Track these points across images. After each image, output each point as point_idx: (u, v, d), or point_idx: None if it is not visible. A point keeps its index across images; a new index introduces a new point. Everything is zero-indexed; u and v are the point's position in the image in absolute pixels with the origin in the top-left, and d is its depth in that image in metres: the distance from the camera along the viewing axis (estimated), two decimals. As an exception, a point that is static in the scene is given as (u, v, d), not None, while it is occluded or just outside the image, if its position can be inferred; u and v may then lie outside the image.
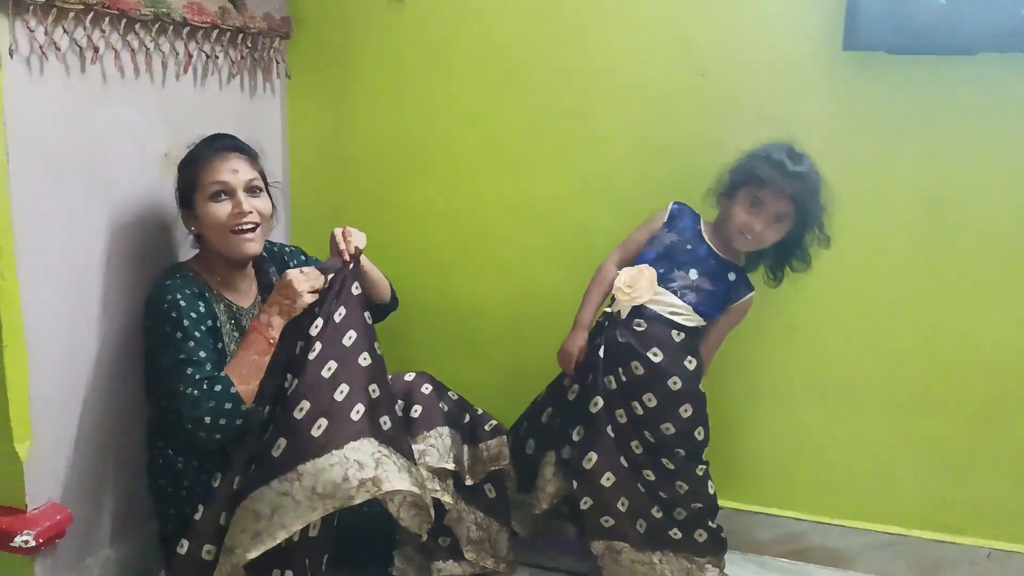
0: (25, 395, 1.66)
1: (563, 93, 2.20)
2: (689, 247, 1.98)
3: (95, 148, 1.78)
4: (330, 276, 1.80)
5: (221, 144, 1.87)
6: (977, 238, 2.00)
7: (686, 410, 1.92)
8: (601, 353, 1.96)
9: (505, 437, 2.05)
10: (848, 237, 2.04)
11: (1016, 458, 2.05)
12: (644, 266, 1.96)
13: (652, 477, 1.96)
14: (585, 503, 1.98)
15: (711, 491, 1.98)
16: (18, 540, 1.64)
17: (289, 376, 1.71)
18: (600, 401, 1.94)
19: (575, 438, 1.97)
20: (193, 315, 1.77)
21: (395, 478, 1.66)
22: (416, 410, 1.98)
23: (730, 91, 2.07)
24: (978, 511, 2.08)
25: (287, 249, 2.12)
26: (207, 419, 1.68)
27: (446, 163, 2.33)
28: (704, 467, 1.97)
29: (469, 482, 2.00)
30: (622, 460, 1.95)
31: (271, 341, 1.76)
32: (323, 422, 1.66)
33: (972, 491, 2.08)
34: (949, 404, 2.07)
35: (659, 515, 1.98)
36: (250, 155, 1.90)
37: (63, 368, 1.75)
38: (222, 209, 1.82)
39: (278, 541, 1.61)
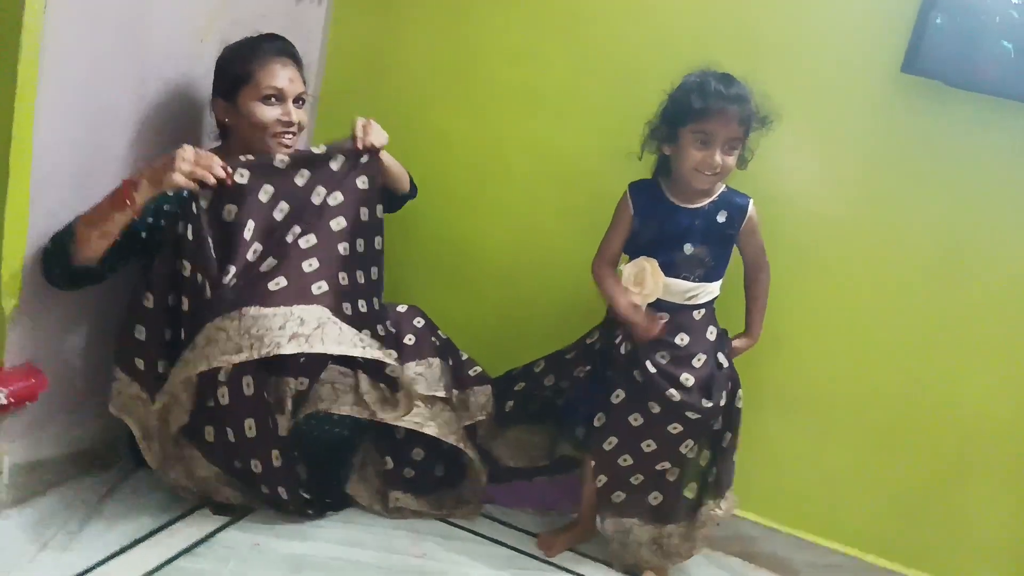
0: (21, 251, 1.64)
1: (611, 51, 2.17)
2: (668, 225, 1.92)
3: (133, 16, 1.75)
4: (330, 157, 1.83)
5: (280, 47, 1.87)
6: (987, 294, 1.99)
7: (711, 384, 1.92)
8: (622, 349, 1.94)
9: (490, 388, 2.07)
10: (858, 260, 2.04)
11: (970, 513, 2.06)
12: (643, 258, 1.92)
13: (687, 448, 1.94)
14: (600, 481, 1.99)
15: (739, 422, 1.98)
16: (-10, 395, 1.63)
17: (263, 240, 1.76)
18: (622, 394, 1.94)
19: (596, 423, 1.98)
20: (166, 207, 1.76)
21: (330, 341, 1.68)
22: (409, 338, 2.00)
23: (779, 83, 1.98)
24: (927, 549, 2.09)
25: None
26: (48, 245, 1.69)
27: (479, 96, 2.30)
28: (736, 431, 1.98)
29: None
30: (644, 446, 1.95)
31: (128, 200, 1.65)
32: (282, 281, 1.71)
33: (923, 530, 2.10)
34: (913, 448, 2.07)
35: (673, 479, 1.97)
36: (301, 65, 1.91)
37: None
38: (271, 112, 1.83)
39: (197, 371, 1.66)
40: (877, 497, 2.12)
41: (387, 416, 1.89)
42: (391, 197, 2.05)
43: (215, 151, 1.88)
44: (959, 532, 2.08)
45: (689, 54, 2.05)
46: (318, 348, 1.67)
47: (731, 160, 1.86)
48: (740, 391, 1.97)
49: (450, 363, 2.05)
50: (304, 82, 1.91)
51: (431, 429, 1.94)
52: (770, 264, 1.99)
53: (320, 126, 2.42)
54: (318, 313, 1.71)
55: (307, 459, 1.91)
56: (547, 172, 2.28)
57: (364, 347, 1.75)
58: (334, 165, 1.85)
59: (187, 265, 1.71)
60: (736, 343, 2.01)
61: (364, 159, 1.87)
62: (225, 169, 1.70)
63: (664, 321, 1.90)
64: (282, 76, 1.84)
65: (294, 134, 1.88)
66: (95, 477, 1.91)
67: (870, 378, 2.09)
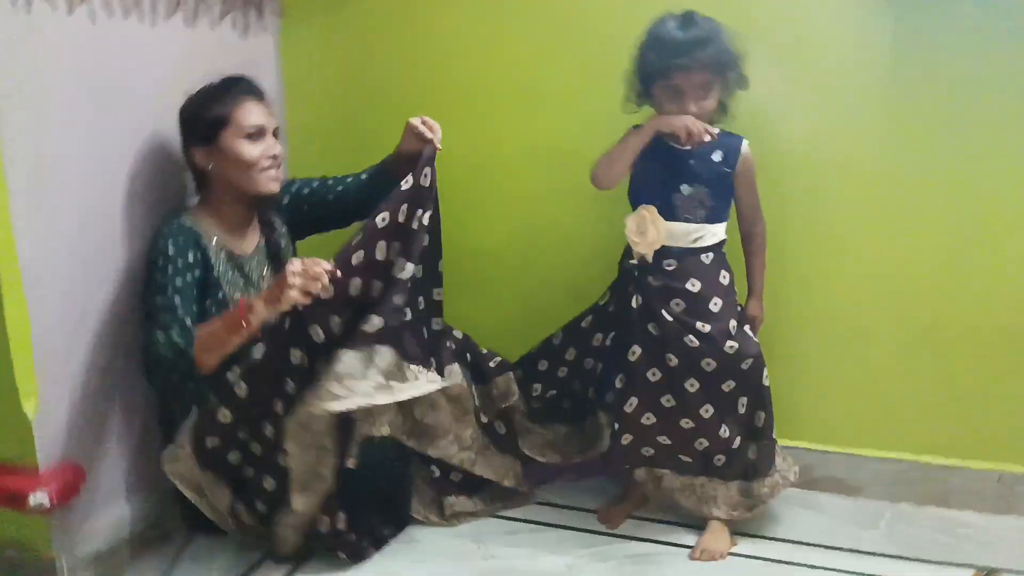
0: (28, 351, 1.62)
1: (582, 27, 2.13)
2: (664, 165, 1.91)
3: (88, 90, 1.71)
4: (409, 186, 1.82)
5: (247, 86, 1.88)
6: (1005, 166, 1.97)
7: (733, 327, 1.93)
8: (634, 303, 1.93)
9: (511, 373, 2.08)
10: (881, 166, 2.02)
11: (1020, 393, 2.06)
12: (642, 207, 1.91)
13: (708, 413, 1.94)
14: (626, 439, 1.98)
15: (768, 400, 1.98)
16: (32, 501, 1.61)
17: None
18: (638, 350, 1.93)
19: (617, 385, 1.97)
20: (180, 263, 1.77)
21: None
22: None
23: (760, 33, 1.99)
24: (987, 437, 2.09)
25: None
26: (154, 357, 1.72)
27: (454, 100, 2.26)
28: (765, 372, 1.96)
29: (483, 420, 2.03)
30: (664, 401, 1.95)
31: (245, 323, 1.72)
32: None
33: (981, 417, 2.09)
34: (960, 335, 2.06)
35: (702, 447, 1.97)
36: (267, 101, 1.92)
37: (66, 319, 1.70)
38: (256, 149, 1.84)
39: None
40: (927, 399, 2.12)
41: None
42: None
43: (198, 208, 1.87)
44: (1015, 417, 2.07)
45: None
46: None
47: (708, 103, 1.84)
48: (765, 370, 1.96)
49: (469, 360, 2.05)
50: (272, 115, 1.91)
51: (480, 468, 2.02)
52: (786, 196, 1.99)
53: (293, 155, 2.38)
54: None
55: (369, 493, 1.91)
56: (538, 161, 2.25)
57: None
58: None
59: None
60: (749, 309, 2.00)
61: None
62: (332, 273, 1.72)
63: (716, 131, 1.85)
64: (258, 113, 1.85)
65: (279, 166, 1.89)
66: (155, 555, 1.89)
67: (904, 282, 2.08)
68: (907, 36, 1.96)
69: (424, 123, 1.89)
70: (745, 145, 1.92)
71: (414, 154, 1.88)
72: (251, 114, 1.84)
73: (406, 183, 1.81)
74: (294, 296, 1.67)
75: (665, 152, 1.91)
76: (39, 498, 1.61)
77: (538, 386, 2.13)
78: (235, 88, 1.86)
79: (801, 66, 2.04)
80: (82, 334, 1.75)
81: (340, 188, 2.07)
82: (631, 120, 1.95)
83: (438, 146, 1.88)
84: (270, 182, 1.88)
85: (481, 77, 2.23)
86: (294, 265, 1.70)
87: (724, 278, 1.94)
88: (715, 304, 1.92)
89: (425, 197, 1.83)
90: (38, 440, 1.64)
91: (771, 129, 2.04)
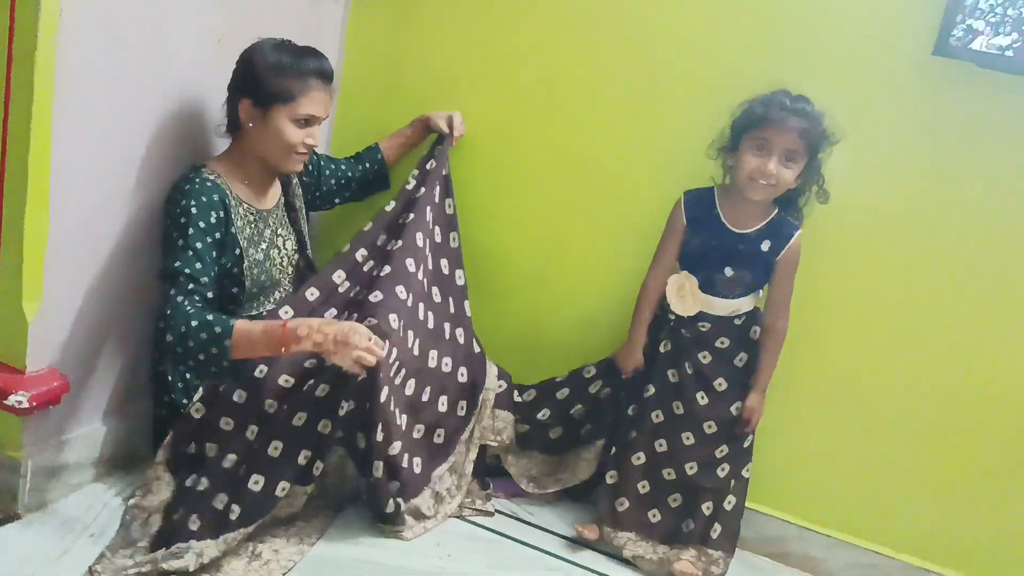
0: (41, 255, 1.64)
1: (633, 50, 2.13)
2: (715, 242, 1.96)
3: (150, 22, 1.74)
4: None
5: (323, 69, 1.86)
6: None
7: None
8: (663, 348, 2.01)
9: (512, 416, 2.12)
10: (894, 252, 1.99)
11: (1015, 513, 2.00)
12: (684, 274, 1.98)
13: (692, 470, 1.99)
14: (611, 477, 2.04)
15: (748, 468, 2.02)
16: (12, 399, 1.63)
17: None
18: (652, 388, 2.01)
19: (630, 413, 2.05)
20: (202, 224, 1.75)
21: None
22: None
23: (800, 70, 1.98)
24: (969, 549, 2.03)
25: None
26: (182, 328, 1.65)
27: (499, 98, 2.27)
28: (751, 441, 2.03)
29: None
30: (657, 445, 2.01)
31: (284, 350, 1.67)
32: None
33: (967, 529, 2.04)
34: (956, 445, 2.02)
35: (676, 505, 2.00)
36: (332, 90, 1.91)
37: (82, 237, 1.73)
38: (299, 135, 1.84)
39: None
40: (917, 495, 2.07)
41: None
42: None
43: (223, 158, 1.89)
44: (1003, 533, 2.02)
45: (714, 53, 2.02)
46: None
47: (788, 173, 1.86)
48: (750, 464, 2.01)
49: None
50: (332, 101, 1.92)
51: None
52: (802, 263, 1.97)
53: (338, 126, 2.40)
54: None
55: None
56: (567, 173, 2.25)
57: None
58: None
59: None
60: (748, 403, 1.99)
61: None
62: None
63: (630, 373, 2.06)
64: (320, 103, 1.84)
65: (309, 154, 1.90)
66: (117, 480, 1.90)
67: (910, 373, 2.04)
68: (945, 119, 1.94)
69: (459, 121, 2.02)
70: (797, 236, 1.94)
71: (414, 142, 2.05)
72: (313, 102, 1.82)
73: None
74: (348, 364, 1.66)
75: (719, 231, 1.96)
76: (18, 398, 1.62)
77: (547, 411, 2.15)
78: (311, 68, 1.83)
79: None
80: (94, 254, 1.77)
81: (360, 168, 2.22)
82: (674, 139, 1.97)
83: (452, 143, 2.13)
84: (296, 164, 1.89)
85: (531, 80, 2.24)
86: (360, 335, 1.66)
87: (754, 333, 2.00)
88: (740, 359, 1.99)
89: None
90: (31, 343, 1.66)
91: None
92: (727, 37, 2.05)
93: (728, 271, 1.95)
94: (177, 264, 1.72)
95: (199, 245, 1.74)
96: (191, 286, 1.71)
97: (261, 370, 1.77)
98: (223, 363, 1.66)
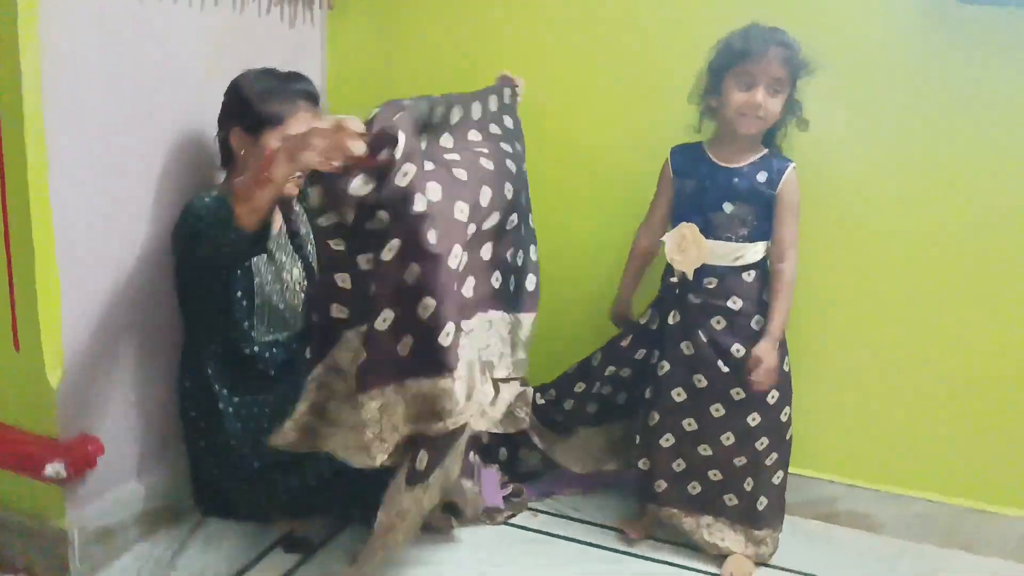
0: (57, 323, 1.63)
1: (622, 38, 2.12)
2: (707, 182, 1.90)
3: (133, 68, 1.73)
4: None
5: (307, 91, 1.84)
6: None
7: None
8: (671, 320, 1.94)
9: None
10: (910, 205, 1.98)
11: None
12: (682, 225, 1.91)
13: (729, 441, 1.93)
14: (644, 464, 1.99)
15: (788, 435, 1.96)
16: (50, 470, 1.62)
17: None
18: (667, 365, 1.94)
19: (647, 395, 1.99)
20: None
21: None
22: None
23: (819, 32, 1.94)
24: (1019, 483, 2.03)
25: None
26: (204, 221, 1.66)
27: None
28: (789, 410, 1.95)
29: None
30: (686, 425, 1.95)
31: (267, 176, 1.53)
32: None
33: (1013, 462, 2.03)
34: (995, 376, 2.01)
35: (717, 479, 1.96)
36: (319, 111, 1.87)
37: (94, 296, 1.72)
38: None
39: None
40: (962, 434, 2.06)
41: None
42: None
43: (223, 187, 1.87)
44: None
45: (700, 29, 1.98)
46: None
47: (774, 103, 1.83)
48: (789, 408, 1.95)
49: None
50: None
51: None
52: (829, 218, 1.96)
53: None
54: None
55: None
56: (571, 169, 2.23)
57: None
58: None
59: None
60: (755, 351, 1.87)
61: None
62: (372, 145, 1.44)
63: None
64: (308, 124, 1.77)
65: (303, 177, 1.83)
66: (166, 534, 1.90)
67: (933, 321, 2.03)
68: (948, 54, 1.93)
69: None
70: (791, 169, 1.89)
71: None
72: (302, 123, 1.78)
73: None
74: (309, 159, 1.46)
75: (708, 170, 1.91)
76: (56, 468, 1.62)
77: (571, 402, 2.13)
78: (296, 90, 1.83)
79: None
80: (108, 311, 1.76)
81: None
82: (677, 126, 1.95)
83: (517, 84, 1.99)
84: (292, 187, 1.86)
85: (520, 73, 2.16)
86: (322, 125, 1.49)
87: (767, 295, 1.92)
88: (757, 323, 1.90)
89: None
90: (59, 410, 1.66)
91: (805, 153, 1.99)
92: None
93: (727, 206, 1.88)
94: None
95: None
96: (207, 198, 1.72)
97: None
98: (231, 221, 1.58)
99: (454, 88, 2.09)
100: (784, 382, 1.93)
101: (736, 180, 1.88)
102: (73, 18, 1.57)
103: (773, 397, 1.91)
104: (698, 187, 1.91)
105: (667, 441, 1.95)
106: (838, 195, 2.03)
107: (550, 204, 2.23)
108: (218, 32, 1.93)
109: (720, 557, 1.95)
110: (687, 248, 1.89)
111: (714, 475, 1.95)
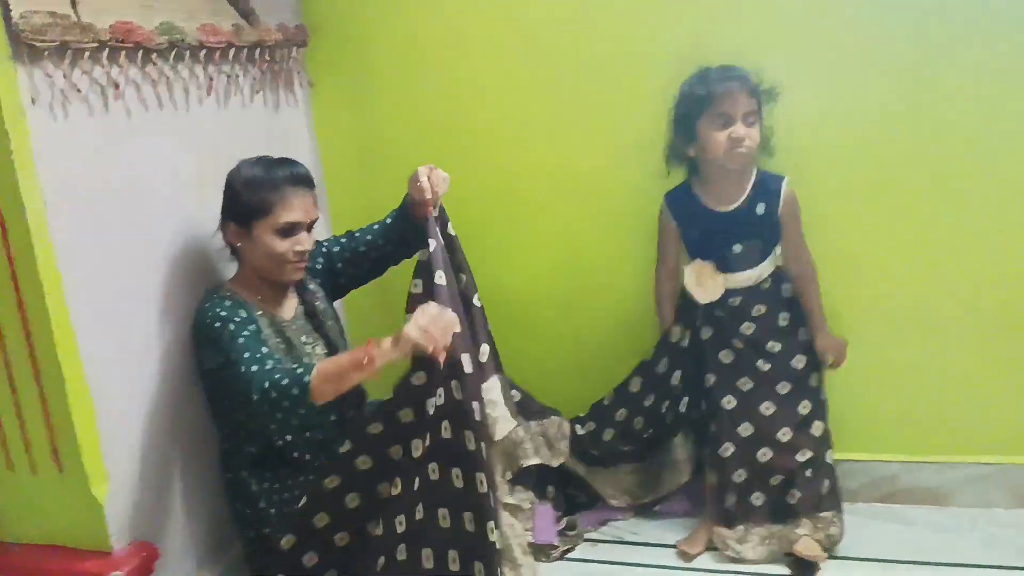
0: (95, 439, 1.66)
1: (588, 58, 2.14)
2: (712, 227, 1.97)
3: (128, 182, 1.76)
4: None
5: (296, 175, 1.84)
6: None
7: (804, 332, 1.98)
8: (703, 335, 2.01)
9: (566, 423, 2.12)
10: (913, 157, 1.98)
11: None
12: (696, 263, 1.98)
13: (786, 437, 1.94)
14: (711, 476, 2.02)
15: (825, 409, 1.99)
16: (110, 583, 1.64)
17: None
18: (712, 378, 2.00)
19: (703, 407, 2.05)
20: (237, 319, 1.75)
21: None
22: None
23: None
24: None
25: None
26: (264, 383, 1.61)
27: (477, 145, 2.28)
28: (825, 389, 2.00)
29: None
30: (741, 430, 1.97)
31: (368, 360, 1.60)
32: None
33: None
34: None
35: (776, 483, 1.96)
36: (313, 189, 1.88)
37: (126, 405, 1.75)
38: (286, 244, 1.81)
39: None
40: (1013, 388, 2.03)
41: None
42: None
43: (233, 281, 1.89)
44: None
45: (709, 48, 1.98)
46: None
47: (754, 132, 1.87)
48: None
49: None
50: (316, 203, 1.89)
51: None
52: (844, 197, 1.99)
53: (333, 210, 2.43)
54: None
55: None
56: (567, 192, 2.25)
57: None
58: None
59: None
60: (818, 346, 1.97)
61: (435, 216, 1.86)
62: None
63: None
64: (299, 208, 1.82)
65: (305, 260, 1.87)
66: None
67: (960, 265, 2.01)
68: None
69: (429, 177, 1.84)
70: (784, 185, 1.93)
71: (416, 200, 1.86)
72: (291, 209, 1.80)
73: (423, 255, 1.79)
74: (416, 337, 1.58)
75: (707, 217, 1.97)
76: (115, 580, 1.64)
77: (610, 432, 2.13)
78: (282, 176, 1.82)
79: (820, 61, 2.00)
80: (144, 416, 1.79)
81: (369, 236, 2.05)
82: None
83: (432, 211, 1.84)
84: (294, 273, 1.86)
85: (506, 114, 2.25)
86: (429, 304, 1.63)
87: (785, 291, 1.98)
88: (784, 318, 1.97)
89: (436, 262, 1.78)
90: (110, 523, 1.68)
91: (811, 130, 2.00)
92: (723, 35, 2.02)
93: (737, 247, 1.95)
94: (237, 348, 1.69)
95: (246, 332, 1.72)
96: (259, 354, 1.68)
97: None
98: (306, 404, 1.59)
99: (436, 134, 2.18)
100: (821, 363, 1.99)
101: (739, 222, 1.94)
102: (63, 145, 1.60)
103: (816, 380, 1.96)
104: (703, 234, 1.98)
105: (726, 451, 1.98)
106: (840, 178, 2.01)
107: (552, 227, 2.28)
108: (205, 131, 1.97)
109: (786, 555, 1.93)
110: (705, 283, 1.96)
111: (773, 480, 1.95)
